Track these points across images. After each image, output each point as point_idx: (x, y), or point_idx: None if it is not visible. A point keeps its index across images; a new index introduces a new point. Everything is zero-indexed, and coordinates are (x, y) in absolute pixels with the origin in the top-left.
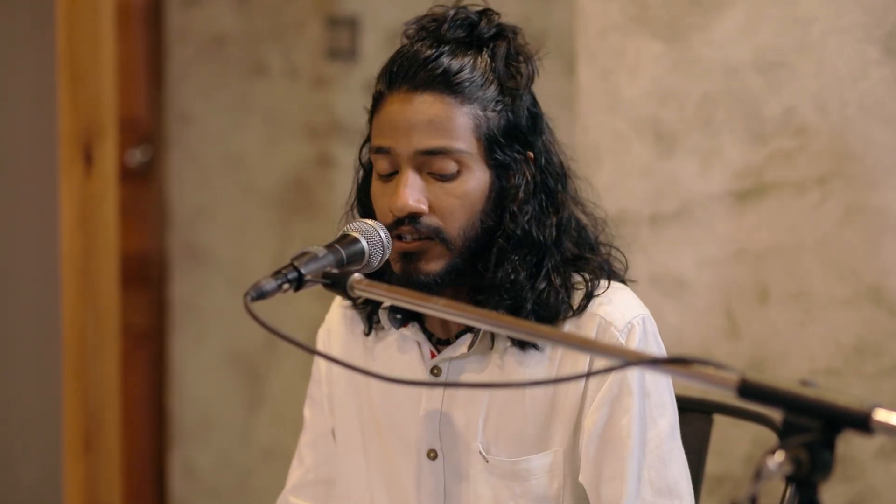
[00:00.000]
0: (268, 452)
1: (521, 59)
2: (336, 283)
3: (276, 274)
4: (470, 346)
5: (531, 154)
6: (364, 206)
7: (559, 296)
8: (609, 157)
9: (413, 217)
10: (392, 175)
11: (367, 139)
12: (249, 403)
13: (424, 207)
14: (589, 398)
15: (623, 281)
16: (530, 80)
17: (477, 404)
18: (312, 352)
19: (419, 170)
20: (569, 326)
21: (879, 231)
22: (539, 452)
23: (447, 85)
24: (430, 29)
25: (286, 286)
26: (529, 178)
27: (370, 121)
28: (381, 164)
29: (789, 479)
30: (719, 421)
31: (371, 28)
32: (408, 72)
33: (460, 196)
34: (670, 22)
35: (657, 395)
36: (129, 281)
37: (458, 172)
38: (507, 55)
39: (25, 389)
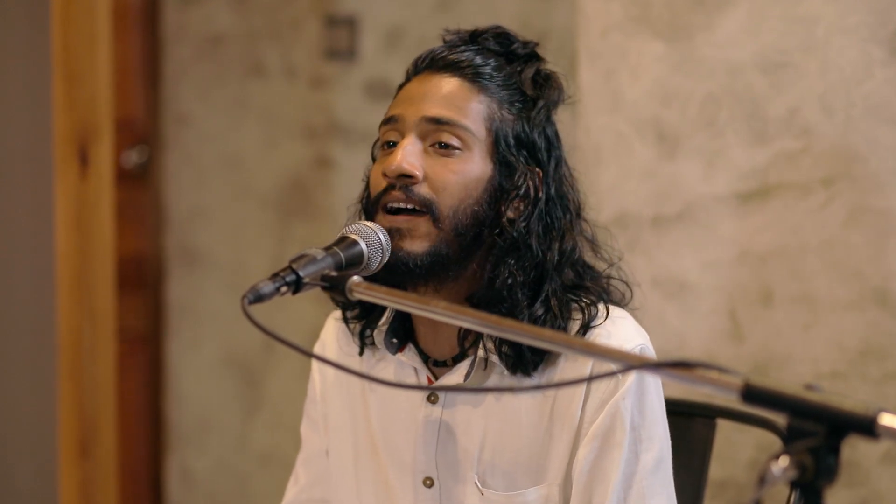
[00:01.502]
0: (265, 457)
1: (548, 82)
2: (335, 286)
3: (274, 276)
4: (466, 377)
5: (539, 172)
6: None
7: (556, 322)
8: (611, 159)
9: (405, 184)
10: (395, 145)
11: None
12: (247, 408)
13: (418, 173)
14: (584, 430)
15: (623, 307)
16: (554, 102)
17: (473, 434)
18: (311, 355)
19: (422, 139)
20: (563, 359)
21: (885, 233)
22: (535, 486)
23: (467, 72)
24: (464, 36)
25: (284, 289)
26: (532, 192)
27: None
28: (388, 135)
29: (794, 485)
30: (723, 425)
31: (370, 28)
32: (433, 59)
33: (457, 172)
34: (673, 22)
35: (645, 430)
36: (124, 283)
37: (460, 150)
38: (536, 73)
39: (20, 393)
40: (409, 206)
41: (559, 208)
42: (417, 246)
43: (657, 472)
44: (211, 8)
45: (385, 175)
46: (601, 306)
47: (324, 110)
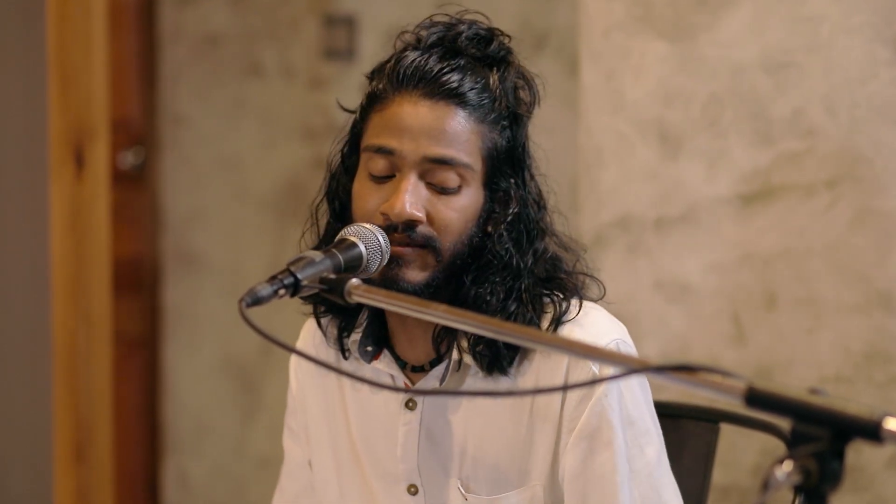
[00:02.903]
0: (263, 462)
1: (525, 85)
2: (333, 289)
3: (272, 279)
4: (441, 380)
5: (519, 181)
6: (342, 205)
7: (527, 316)
8: (613, 160)
9: (409, 226)
10: (387, 178)
11: (350, 136)
12: (244, 412)
13: (422, 216)
14: (566, 428)
15: (598, 301)
16: (532, 107)
17: (454, 439)
18: (309, 359)
19: (421, 177)
20: (538, 355)
21: (890, 235)
22: (518, 488)
23: (462, 100)
24: (445, 39)
25: (282, 292)
26: (515, 204)
27: (362, 118)
28: (378, 165)
29: (798, 490)
30: (726, 430)
31: (369, 27)
32: (423, 77)
33: (458, 210)
34: (676, 21)
35: (641, 423)
36: (121, 286)
37: (459, 188)
38: (515, 79)
39: (15, 398)
40: (411, 248)
41: (531, 208)
42: (418, 276)
43: (661, 464)
44: (208, 7)
45: (386, 215)
46: (573, 301)
47: (322, 111)
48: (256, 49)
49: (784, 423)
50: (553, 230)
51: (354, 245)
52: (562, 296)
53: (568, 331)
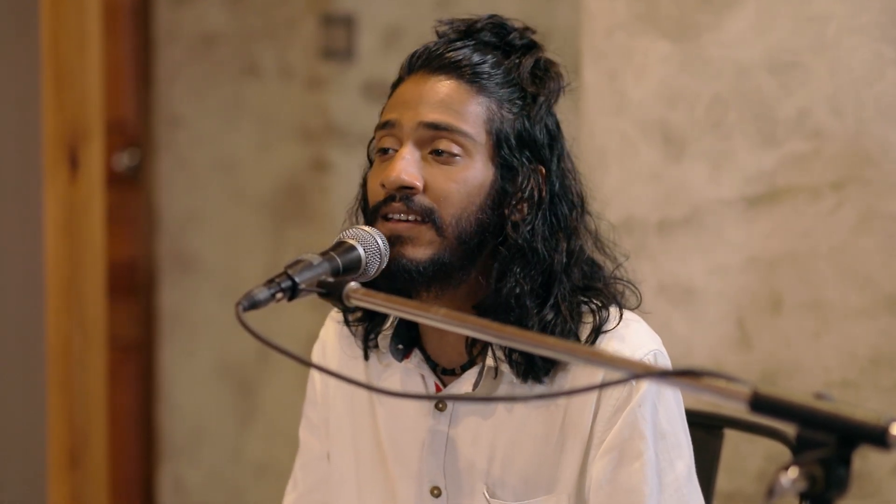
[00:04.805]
0: (260, 468)
1: (548, 73)
2: (331, 293)
3: (269, 282)
4: (475, 386)
5: (542, 169)
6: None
7: (566, 326)
8: (615, 161)
9: (405, 195)
10: (392, 152)
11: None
12: (241, 417)
13: (419, 184)
14: (596, 440)
15: (634, 310)
16: (554, 95)
17: (483, 445)
18: (307, 364)
19: (420, 146)
20: (575, 365)
21: None
22: (545, 495)
23: (465, 72)
24: (459, 28)
25: (279, 295)
26: (537, 192)
27: (382, 113)
28: (384, 141)
29: (803, 496)
30: (730, 436)
31: (367, 27)
32: (428, 57)
33: (458, 181)
34: (679, 20)
35: (673, 437)
36: (116, 290)
37: (460, 157)
38: (535, 65)
39: (8, 402)
40: (411, 218)
41: (564, 205)
42: (420, 253)
43: (691, 479)
44: (204, 7)
45: (384, 186)
46: (613, 310)
47: (320, 112)
48: (254, 49)
49: (789, 429)
50: (595, 234)
51: (353, 248)
52: (600, 304)
53: (607, 342)
